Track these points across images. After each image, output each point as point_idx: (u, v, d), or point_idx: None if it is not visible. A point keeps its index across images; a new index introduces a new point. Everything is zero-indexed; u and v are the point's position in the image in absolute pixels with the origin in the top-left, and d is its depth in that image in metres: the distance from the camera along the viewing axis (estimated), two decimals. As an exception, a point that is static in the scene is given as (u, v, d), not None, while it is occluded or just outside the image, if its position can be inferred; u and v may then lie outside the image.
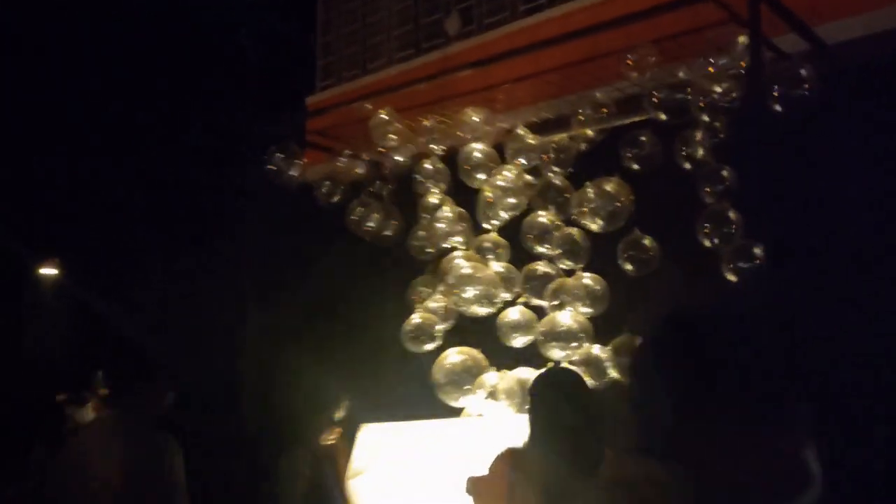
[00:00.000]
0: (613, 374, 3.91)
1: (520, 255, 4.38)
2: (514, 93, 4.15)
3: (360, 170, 4.88)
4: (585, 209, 3.85)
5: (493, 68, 4.39)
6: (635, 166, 3.94)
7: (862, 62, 3.52)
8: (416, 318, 4.20)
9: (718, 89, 3.31)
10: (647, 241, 3.91)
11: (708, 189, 3.78)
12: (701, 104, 3.41)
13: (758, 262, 3.68)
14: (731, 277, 3.75)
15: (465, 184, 4.46)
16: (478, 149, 4.37)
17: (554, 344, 4.16)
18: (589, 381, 4.12)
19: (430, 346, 4.17)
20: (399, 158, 4.53)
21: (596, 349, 4.16)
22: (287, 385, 4.19)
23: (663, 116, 3.62)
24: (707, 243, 3.65)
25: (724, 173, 3.78)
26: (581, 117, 3.80)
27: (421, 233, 4.62)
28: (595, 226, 3.85)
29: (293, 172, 4.73)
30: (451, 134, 4.40)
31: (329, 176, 4.87)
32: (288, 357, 4.50)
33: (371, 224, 4.63)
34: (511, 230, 4.38)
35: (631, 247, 3.92)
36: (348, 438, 4.01)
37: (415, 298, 4.28)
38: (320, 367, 4.16)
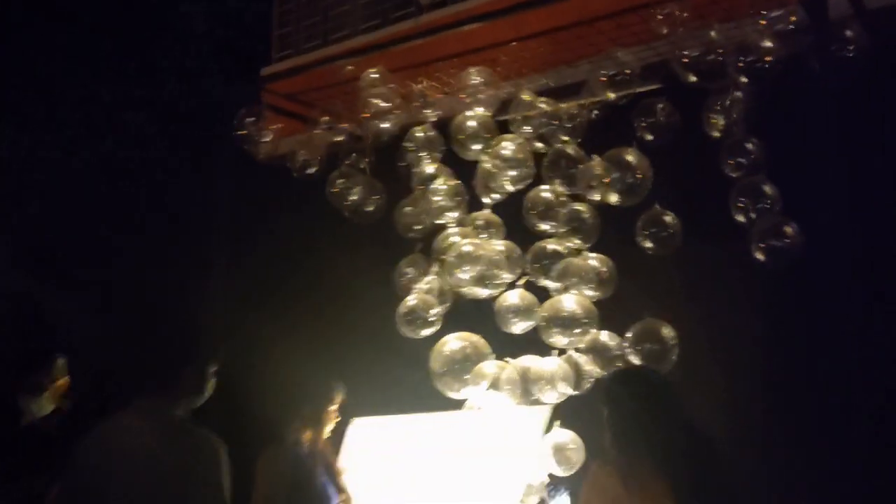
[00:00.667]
0: (633, 360, 3.57)
1: (517, 234, 4.01)
2: (519, 56, 3.76)
3: (339, 138, 4.42)
4: (602, 181, 3.49)
5: (479, 31, 3.98)
6: (650, 137, 3.62)
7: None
8: (411, 300, 3.78)
9: (769, 45, 2.99)
10: (668, 218, 3.59)
11: (737, 162, 3.49)
12: (740, 64, 3.09)
13: (789, 241, 3.42)
14: (760, 257, 3.47)
15: (456, 158, 4.06)
16: (473, 117, 3.97)
17: (556, 330, 3.81)
18: (596, 371, 3.81)
19: (427, 332, 3.75)
20: (386, 125, 4.08)
21: (604, 336, 3.83)
22: (265, 378, 3.73)
23: (694, 79, 3.29)
24: (741, 218, 3.35)
25: (750, 146, 3.50)
26: (599, 80, 3.43)
27: (408, 208, 4.21)
28: (613, 199, 3.50)
29: (265, 139, 4.25)
30: (447, 99, 3.99)
31: (304, 146, 4.40)
32: (266, 347, 4.04)
33: (353, 198, 4.18)
34: (508, 206, 4.01)
35: (651, 223, 3.60)
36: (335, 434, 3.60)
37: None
38: (301, 356, 3.71)
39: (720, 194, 3.49)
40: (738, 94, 3.37)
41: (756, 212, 3.40)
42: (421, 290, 3.81)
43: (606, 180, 3.48)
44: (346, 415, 3.56)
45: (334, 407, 3.60)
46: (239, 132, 4.40)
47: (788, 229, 3.42)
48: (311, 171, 4.37)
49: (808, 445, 3.66)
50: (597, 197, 3.72)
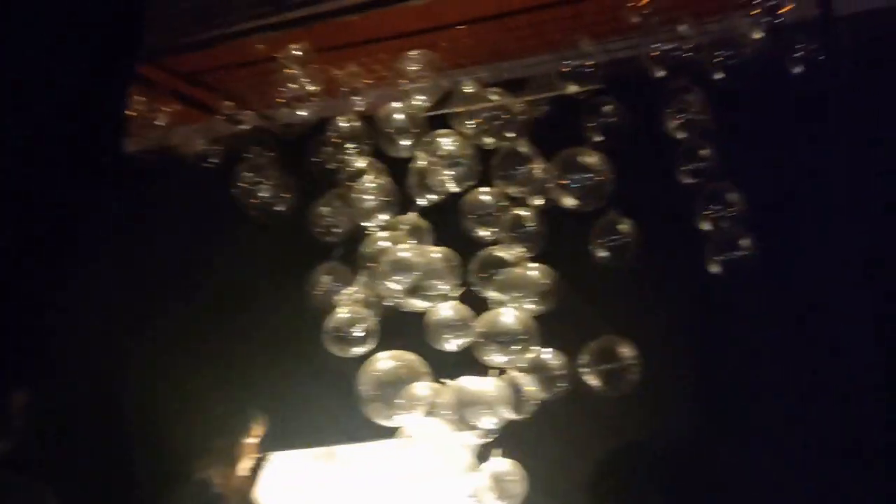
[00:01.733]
0: (591, 381, 3.26)
1: (448, 239, 3.61)
2: (462, 43, 3.38)
3: (244, 127, 3.87)
4: (557, 183, 3.17)
5: (416, 10, 3.57)
6: (600, 138, 3.34)
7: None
8: (342, 314, 3.29)
9: (748, 40, 2.77)
10: (623, 225, 3.31)
11: (694, 167, 3.28)
12: (717, 59, 2.85)
13: (745, 253, 3.24)
14: (715, 269, 3.27)
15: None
16: (401, 109, 3.54)
17: (493, 347, 3.44)
18: (538, 393, 3.48)
19: (359, 350, 3.27)
20: (304, 114, 3.58)
21: (547, 354, 3.50)
22: (165, 406, 3.11)
23: (662, 74, 3.04)
24: (706, 227, 3.12)
25: (707, 151, 3.30)
26: (559, 71, 3.10)
27: (326, 209, 3.71)
28: (569, 203, 3.18)
29: (157, 124, 3.64)
30: (376, 87, 3.55)
31: (202, 134, 3.81)
32: (172, 372, 3.40)
33: (262, 195, 3.64)
34: (438, 211, 3.61)
35: (606, 231, 3.30)
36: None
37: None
38: (210, 381, 3.12)
39: (680, 200, 3.26)
40: (699, 94, 3.17)
41: (721, 220, 3.18)
42: (349, 302, 3.32)
43: (563, 182, 3.14)
44: (263, 449, 3.01)
45: (251, 440, 3.05)
46: (124, 116, 3.75)
47: (744, 241, 3.24)
48: (211, 163, 3.80)
49: (772, 462, 3.48)
50: (541, 201, 3.41)
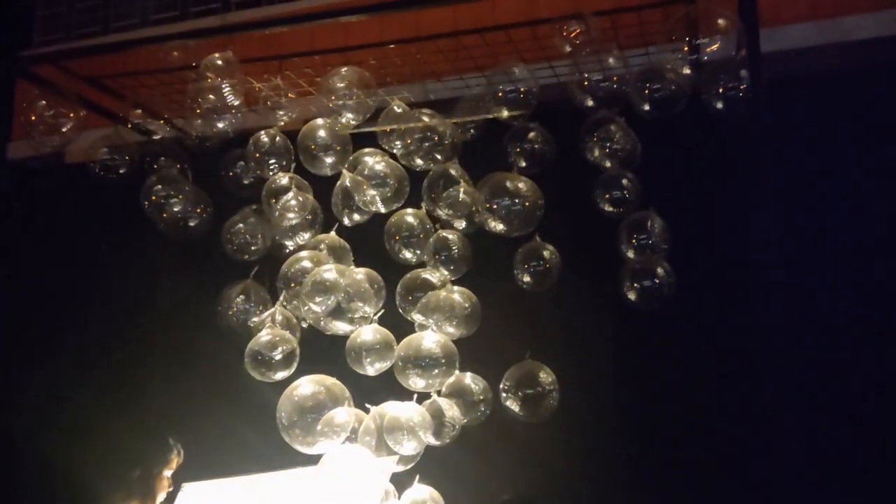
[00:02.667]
0: (512, 406, 3.24)
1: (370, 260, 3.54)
2: (389, 62, 3.34)
3: (155, 137, 3.68)
4: (486, 207, 3.16)
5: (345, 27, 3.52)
6: (524, 164, 3.37)
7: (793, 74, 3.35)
8: (265, 336, 3.14)
9: (678, 75, 2.87)
10: (547, 251, 3.34)
11: (611, 196, 3.35)
12: (646, 91, 2.94)
13: (658, 281, 3.32)
14: (631, 296, 3.35)
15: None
16: (324, 126, 3.46)
17: (414, 371, 3.38)
18: (457, 417, 3.44)
19: (281, 375, 3.14)
20: (222, 126, 3.43)
21: (468, 379, 3.47)
22: (75, 438, 2.86)
23: (591, 103, 3.10)
24: (631, 255, 3.19)
25: (626, 181, 3.38)
26: (495, 95, 3.11)
27: (240, 226, 3.57)
28: (498, 228, 3.18)
29: (62, 130, 3.39)
30: (300, 101, 3.45)
31: (109, 142, 3.59)
32: (75, 403, 3.13)
33: (175, 209, 3.46)
34: (363, 231, 3.54)
35: (530, 256, 3.33)
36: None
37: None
38: (122, 410, 2.90)
39: (602, 228, 3.32)
40: (621, 123, 3.24)
41: (640, 249, 3.26)
42: (270, 325, 3.18)
43: (492, 206, 3.14)
44: (181, 479, 2.83)
45: (168, 472, 2.86)
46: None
47: (660, 270, 3.33)
48: (117, 174, 3.58)
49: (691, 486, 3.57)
50: (462, 225, 3.40)
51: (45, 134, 3.48)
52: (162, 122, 3.63)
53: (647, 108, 3.03)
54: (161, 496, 2.91)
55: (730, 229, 3.52)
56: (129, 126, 3.61)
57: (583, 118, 3.22)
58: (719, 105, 3.00)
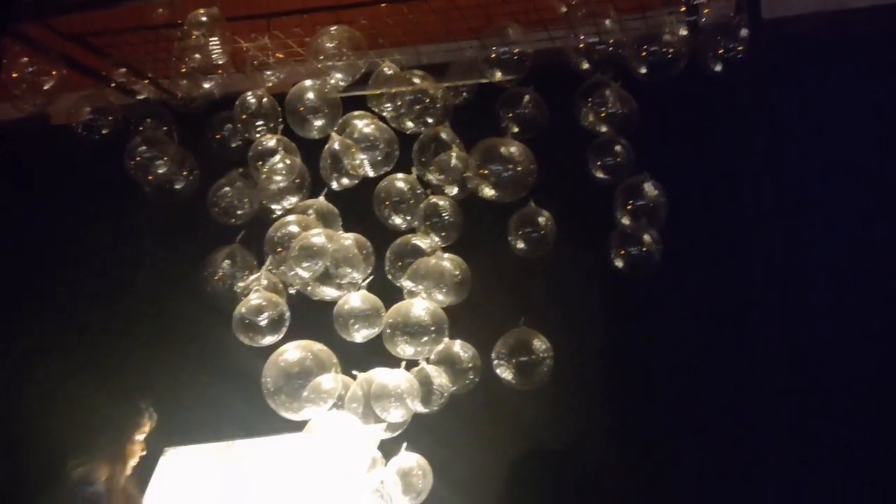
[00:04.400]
0: (503, 374, 3.20)
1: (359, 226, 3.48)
2: (381, 22, 3.25)
3: (139, 97, 3.59)
4: (479, 173, 3.10)
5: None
6: (516, 129, 3.30)
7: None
8: (254, 300, 3.09)
9: (674, 37, 2.80)
10: (542, 218, 3.28)
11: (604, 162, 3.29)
12: (643, 54, 2.87)
13: (646, 249, 3.28)
14: (619, 264, 3.30)
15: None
16: (313, 87, 3.38)
17: (402, 339, 3.34)
18: (446, 385, 3.40)
19: (270, 339, 3.09)
20: (209, 86, 3.35)
21: (457, 346, 3.43)
22: (40, 401, 2.81)
23: (586, 67, 3.03)
24: (626, 221, 3.13)
25: (619, 148, 3.32)
26: (488, 57, 3.03)
27: (226, 189, 3.50)
28: (489, 193, 3.12)
29: (42, 88, 3.30)
30: (288, 63, 3.37)
31: (91, 102, 3.50)
32: (49, 365, 3.08)
33: (159, 171, 3.39)
34: (352, 195, 3.47)
35: (525, 222, 3.27)
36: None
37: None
38: (94, 372, 2.85)
39: (595, 194, 3.26)
40: (616, 88, 3.17)
41: (632, 216, 3.21)
42: (258, 289, 3.13)
43: (484, 172, 3.08)
44: (157, 444, 2.78)
45: (140, 436, 2.81)
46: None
47: (647, 237, 3.27)
48: (98, 134, 3.49)
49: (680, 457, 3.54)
50: (453, 190, 3.34)
51: (27, 93, 3.39)
52: (147, 81, 3.54)
53: (643, 70, 2.97)
54: (133, 461, 2.87)
55: (728, 197, 3.46)
56: (113, 86, 3.52)
57: (578, 82, 3.15)
58: (717, 67, 2.94)
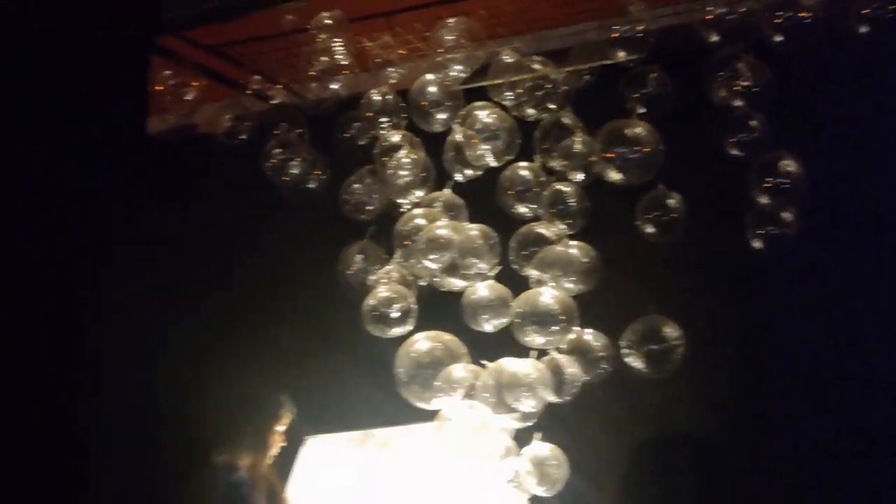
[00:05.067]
0: (634, 363, 3.12)
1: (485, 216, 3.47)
2: (499, 11, 3.23)
3: (273, 102, 3.75)
4: (603, 157, 3.02)
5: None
6: (642, 110, 3.19)
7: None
8: (382, 292, 3.17)
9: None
10: (672, 200, 3.17)
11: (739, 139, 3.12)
12: (776, 21, 2.69)
13: (784, 229, 3.09)
14: (757, 244, 3.12)
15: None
16: (435, 81, 3.40)
17: (532, 328, 3.31)
18: (580, 375, 3.34)
19: (399, 330, 3.16)
20: (336, 87, 3.45)
21: (588, 335, 3.37)
22: (192, 391, 3.00)
23: (715, 39, 2.89)
24: (764, 200, 2.97)
25: (754, 123, 3.14)
26: (609, 38, 2.95)
27: (357, 185, 3.59)
28: (615, 177, 3.04)
29: (185, 98, 3.52)
30: (409, 58, 3.41)
31: (229, 110, 3.69)
32: (202, 356, 3.30)
33: (293, 172, 3.52)
34: (477, 186, 3.47)
35: (654, 206, 3.17)
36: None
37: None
38: (237, 365, 3.01)
39: (729, 174, 3.11)
40: (752, 60, 3.01)
41: (771, 194, 3.03)
42: (388, 281, 3.20)
43: (610, 155, 3.00)
44: (300, 433, 2.90)
45: (280, 427, 2.94)
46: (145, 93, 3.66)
47: (785, 215, 3.09)
48: (238, 140, 3.68)
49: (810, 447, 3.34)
50: (578, 176, 3.28)
51: (172, 105, 3.63)
52: (279, 87, 3.69)
53: (778, 39, 2.80)
54: (274, 450, 3.00)
55: (874, 173, 3.21)
56: (249, 93, 3.69)
57: (706, 57, 3.01)
58: (863, 29, 2.72)
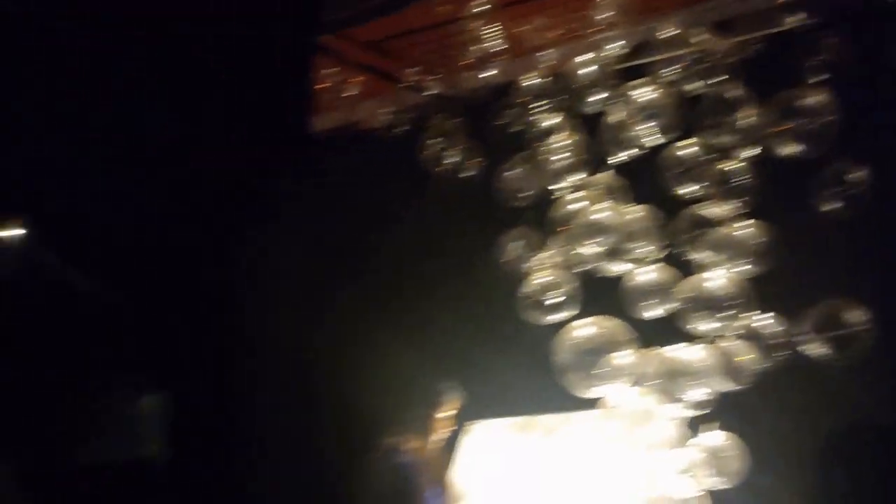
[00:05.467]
0: (815, 349, 2.92)
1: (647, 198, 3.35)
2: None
3: (429, 93, 3.80)
4: (776, 129, 2.84)
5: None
6: (816, 77, 2.96)
7: None
8: (539, 279, 3.14)
9: None
10: (854, 174, 2.93)
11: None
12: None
13: None
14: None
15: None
16: (592, 61, 3.32)
17: (701, 314, 3.16)
18: (755, 362, 3.16)
19: (558, 316, 3.12)
20: (491, 74, 3.44)
21: (763, 321, 3.18)
22: (366, 377, 3.11)
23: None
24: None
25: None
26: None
27: (513, 171, 3.58)
28: (789, 150, 2.85)
29: (347, 95, 3.63)
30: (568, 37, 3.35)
31: (387, 104, 3.78)
32: (365, 342, 3.43)
33: (451, 160, 3.56)
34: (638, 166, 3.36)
35: (833, 180, 2.94)
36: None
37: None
38: (403, 349, 3.07)
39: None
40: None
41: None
42: (545, 267, 3.17)
43: (782, 127, 2.81)
44: (462, 418, 2.93)
45: (447, 413, 2.98)
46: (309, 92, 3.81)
47: None
48: (396, 132, 3.76)
49: None
50: (749, 151, 3.09)
51: (336, 103, 3.77)
52: (436, 78, 3.74)
53: None
54: (441, 435, 3.03)
55: None
56: (407, 86, 3.76)
57: (886, 16, 2.76)
58: None
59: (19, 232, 3.15)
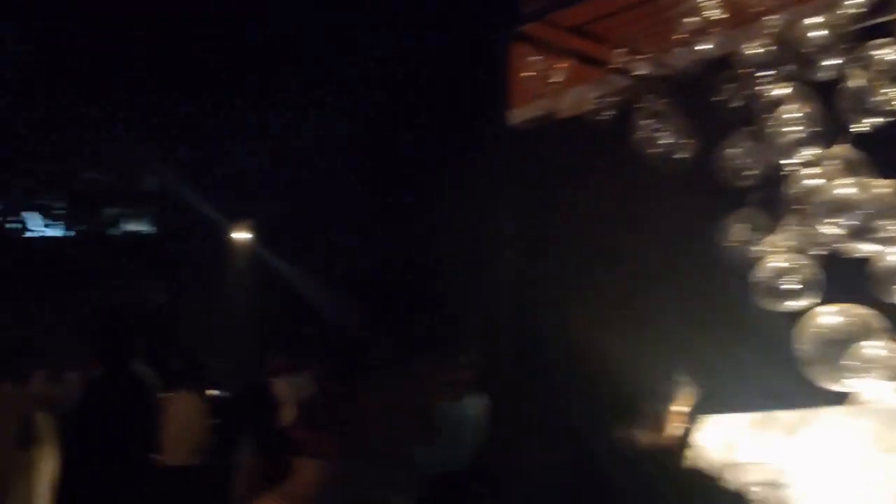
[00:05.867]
0: None
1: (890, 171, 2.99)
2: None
3: (639, 73, 3.63)
4: None
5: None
6: None
7: None
8: (775, 262, 2.91)
9: None
10: None
11: None
12: None
13: None
14: None
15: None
16: (823, 24, 3.01)
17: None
18: None
19: (794, 303, 2.88)
20: (707, 47, 3.23)
21: None
22: (589, 364, 3.02)
23: None
24: None
25: None
26: None
27: (735, 150, 3.34)
28: None
29: (555, 80, 3.56)
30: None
31: (596, 88, 3.66)
32: (602, 335, 3.35)
33: (664, 142, 3.38)
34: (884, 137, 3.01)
35: None
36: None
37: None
38: (636, 340, 2.94)
39: None
40: None
41: None
42: (780, 250, 2.93)
43: None
44: (697, 412, 2.77)
45: (680, 409, 2.82)
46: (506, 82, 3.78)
47: None
48: (605, 118, 3.64)
49: None
50: None
51: (540, 91, 3.71)
52: (645, 57, 3.57)
53: None
54: (674, 430, 2.87)
55: None
56: (614, 68, 3.63)
57: None
58: None
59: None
